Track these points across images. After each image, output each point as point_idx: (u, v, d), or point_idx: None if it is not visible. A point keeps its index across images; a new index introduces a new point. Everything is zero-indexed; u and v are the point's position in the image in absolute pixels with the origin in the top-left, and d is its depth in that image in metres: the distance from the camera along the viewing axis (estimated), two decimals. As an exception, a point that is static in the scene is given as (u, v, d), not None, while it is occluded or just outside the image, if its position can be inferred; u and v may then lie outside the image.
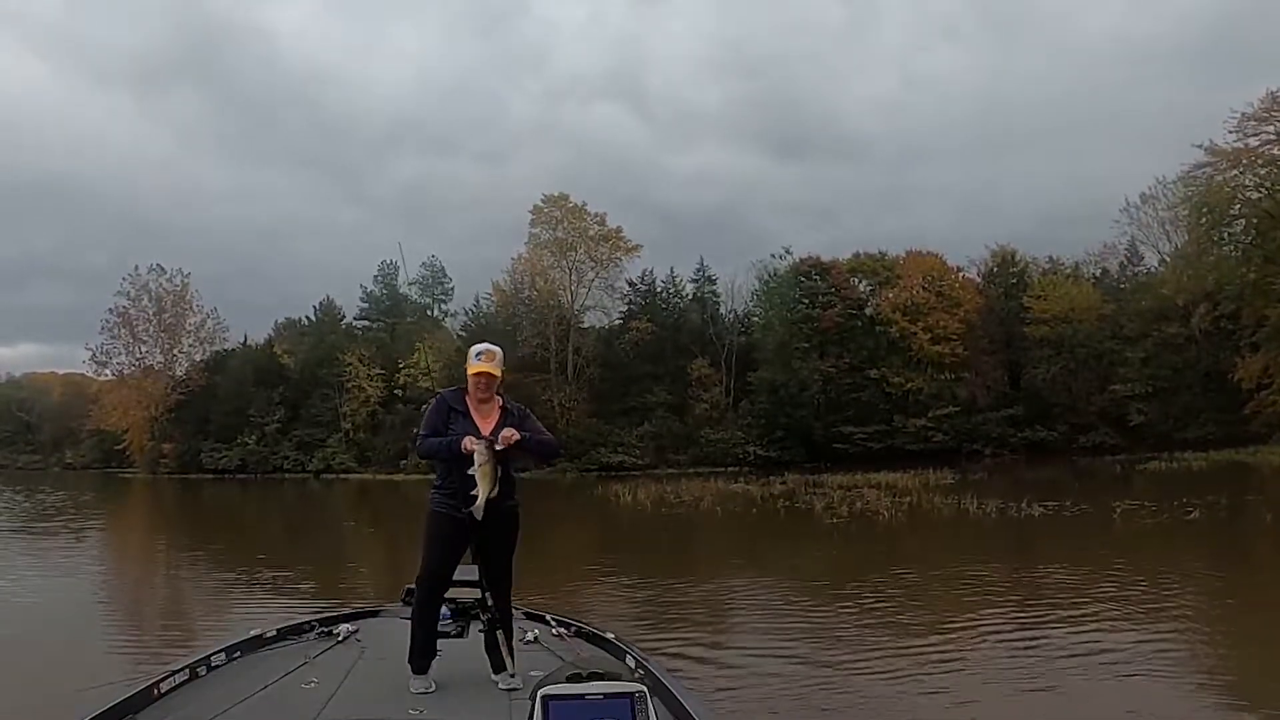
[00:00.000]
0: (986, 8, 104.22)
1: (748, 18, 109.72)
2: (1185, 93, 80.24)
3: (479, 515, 3.80)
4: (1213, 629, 7.62)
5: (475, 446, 3.78)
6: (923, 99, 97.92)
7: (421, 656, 3.84)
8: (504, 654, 3.88)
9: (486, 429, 3.97)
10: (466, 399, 4.08)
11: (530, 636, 4.47)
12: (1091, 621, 7.63)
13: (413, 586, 4.29)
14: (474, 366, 4.05)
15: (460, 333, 51.98)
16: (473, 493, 3.79)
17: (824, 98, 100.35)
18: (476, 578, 4.09)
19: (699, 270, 53.46)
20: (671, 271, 53.59)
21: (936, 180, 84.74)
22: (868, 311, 48.00)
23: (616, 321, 52.15)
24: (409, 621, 3.99)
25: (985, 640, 7.23)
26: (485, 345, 4.19)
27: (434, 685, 3.74)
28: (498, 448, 3.82)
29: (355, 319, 58.86)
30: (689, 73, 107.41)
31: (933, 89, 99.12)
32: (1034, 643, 6.95)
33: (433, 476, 4.17)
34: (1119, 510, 16.06)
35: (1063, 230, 73.93)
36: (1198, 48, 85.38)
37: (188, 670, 3.78)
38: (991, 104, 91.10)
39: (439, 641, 3.99)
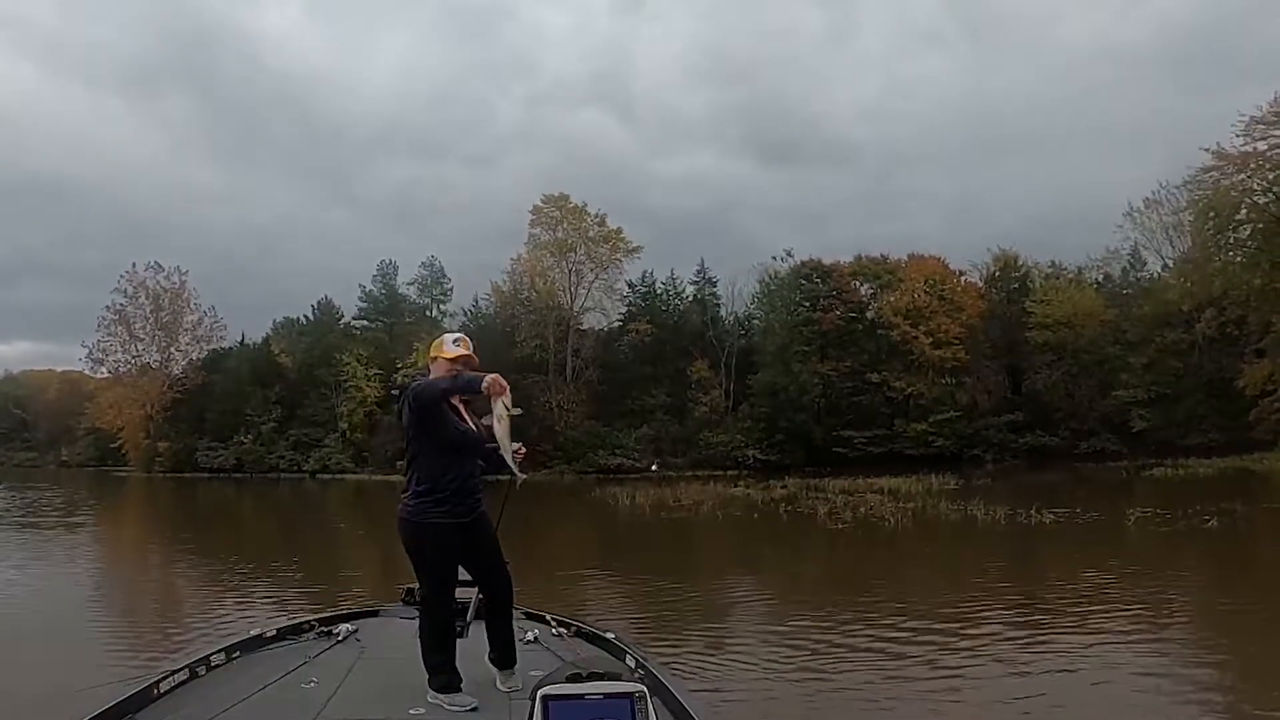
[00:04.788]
0: (968, 14, 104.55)
1: (728, 23, 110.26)
2: (1170, 98, 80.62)
3: (520, 478, 3.68)
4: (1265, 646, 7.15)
5: (505, 388, 3.46)
6: (908, 105, 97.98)
7: (452, 676, 3.60)
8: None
9: (472, 422, 3.81)
10: None
11: (530, 636, 4.39)
12: (1121, 636, 7.29)
13: (412, 586, 4.17)
14: (452, 352, 3.79)
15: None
16: (499, 453, 3.61)
17: (808, 103, 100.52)
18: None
19: (699, 272, 53.33)
20: (672, 273, 53.45)
21: (924, 185, 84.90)
22: (869, 315, 47.75)
23: (616, 323, 51.89)
24: (409, 621, 3.89)
25: (1003, 653, 6.89)
26: (459, 333, 3.95)
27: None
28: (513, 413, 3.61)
29: (354, 319, 58.68)
30: (673, 78, 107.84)
31: (917, 95, 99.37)
32: (1056, 662, 6.60)
33: (402, 480, 3.84)
34: (1132, 518, 15.74)
35: (1052, 235, 74.07)
36: (1182, 54, 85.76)
37: (187, 670, 3.77)
38: (976, 110, 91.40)
39: None
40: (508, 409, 3.48)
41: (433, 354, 3.85)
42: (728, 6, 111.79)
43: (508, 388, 3.46)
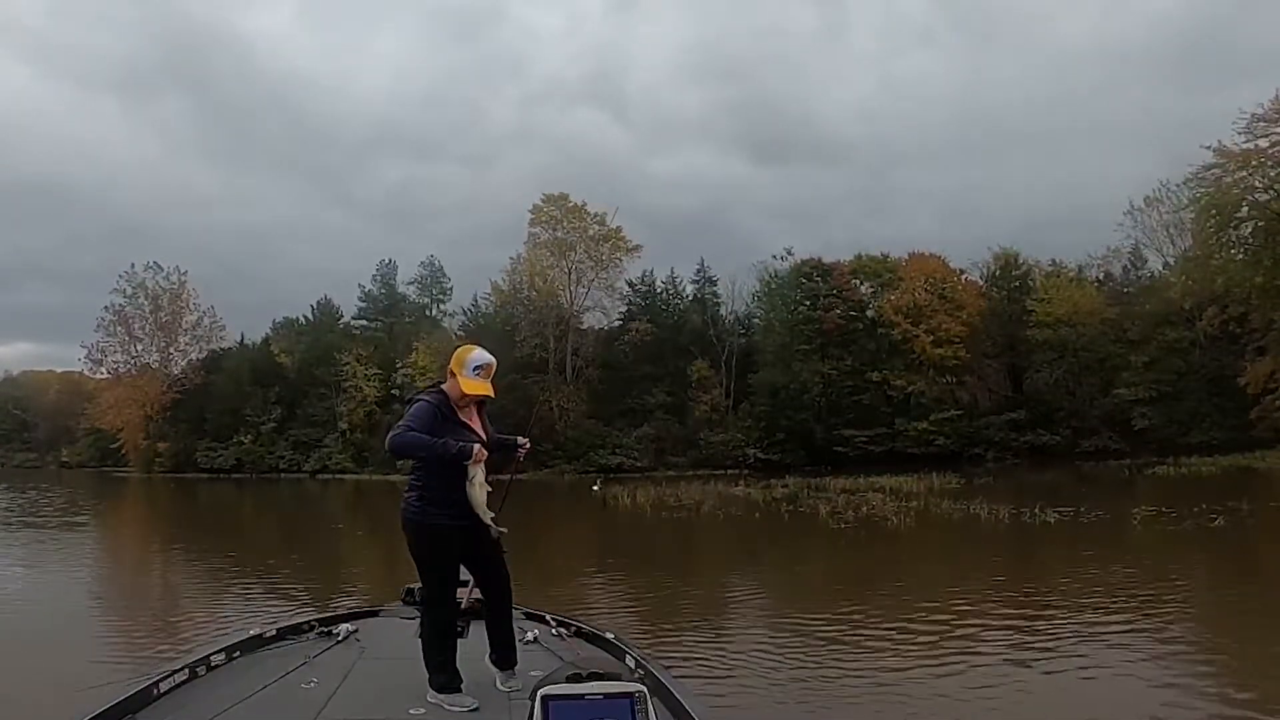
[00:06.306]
0: (959, 12, 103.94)
1: (721, 22, 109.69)
2: (1163, 96, 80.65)
3: (499, 532, 3.69)
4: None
5: (483, 460, 3.53)
6: (901, 103, 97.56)
7: (452, 676, 3.58)
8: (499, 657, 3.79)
9: (482, 427, 3.79)
10: (453, 404, 3.71)
11: (530, 636, 4.38)
12: (1134, 637, 7.20)
13: (413, 586, 4.23)
14: (473, 385, 3.66)
15: (459, 332, 51.70)
16: (485, 514, 3.62)
17: (802, 102, 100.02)
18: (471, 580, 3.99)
19: (699, 271, 53.30)
20: (672, 273, 53.44)
21: (918, 184, 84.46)
22: (869, 313, 47.69)
23: (616, 322, 51.89)
24: (409, 621, 3.90)
25: (1012, 653, 6.83)
26: (486, 357, 3.73)
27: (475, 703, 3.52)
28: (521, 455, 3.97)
29: (353, 319, 58.66)
30: (666, 77, 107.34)
31: (910, 93, 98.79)
32: (1067, 661, 6.52)
33: (408, 479, 3.79)
34: (1138, 517, 15.67)
35: (1047, 234, 73.57)
36: (1174, 51, 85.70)
37: (187, 670, 3.77)
38: (972, 107, 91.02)
39: None
40: (480, 476, 3.56)
41: (453, 368, 3.70)
42: (720, 5, 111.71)
43: (484, 459, 3.55)
